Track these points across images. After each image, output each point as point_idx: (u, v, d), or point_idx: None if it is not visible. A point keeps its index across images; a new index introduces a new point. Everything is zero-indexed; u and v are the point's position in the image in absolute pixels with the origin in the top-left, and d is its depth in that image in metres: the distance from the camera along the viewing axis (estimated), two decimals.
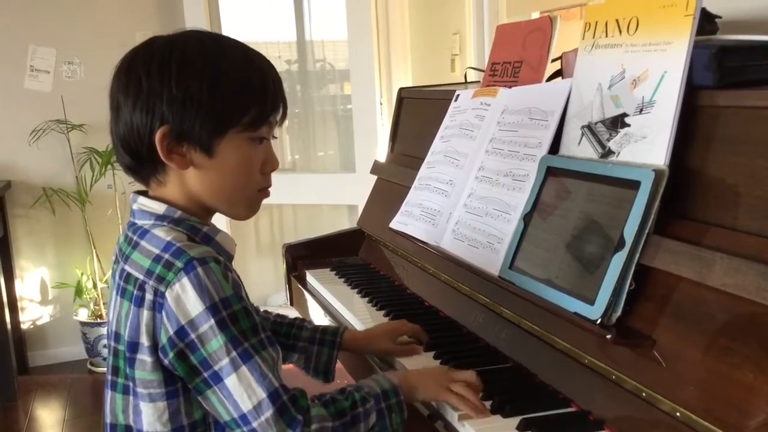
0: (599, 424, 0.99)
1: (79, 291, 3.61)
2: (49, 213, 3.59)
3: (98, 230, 3.59)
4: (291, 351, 1.29)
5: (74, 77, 3.61)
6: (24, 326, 3.66)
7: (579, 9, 2.15)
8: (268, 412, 0.92)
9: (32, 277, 3.69)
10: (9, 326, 3.27)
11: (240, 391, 0.92)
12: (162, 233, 0.98)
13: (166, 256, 0.95)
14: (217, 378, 0.93)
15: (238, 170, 1.01)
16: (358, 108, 3.32)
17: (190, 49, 0.99)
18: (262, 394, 0.92)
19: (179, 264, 0.93)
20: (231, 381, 0.92)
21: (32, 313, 3.71)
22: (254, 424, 0.93)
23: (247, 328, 0.94)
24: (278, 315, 1.35)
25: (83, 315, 3.61)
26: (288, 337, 1.30)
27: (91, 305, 3.64)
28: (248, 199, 1.05)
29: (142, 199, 1.02)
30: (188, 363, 0.93)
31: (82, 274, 3.62)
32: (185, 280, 0.92)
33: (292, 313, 1.56)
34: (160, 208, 1.01)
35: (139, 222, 1.02)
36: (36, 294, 3.71)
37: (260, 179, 1.05)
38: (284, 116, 1.06)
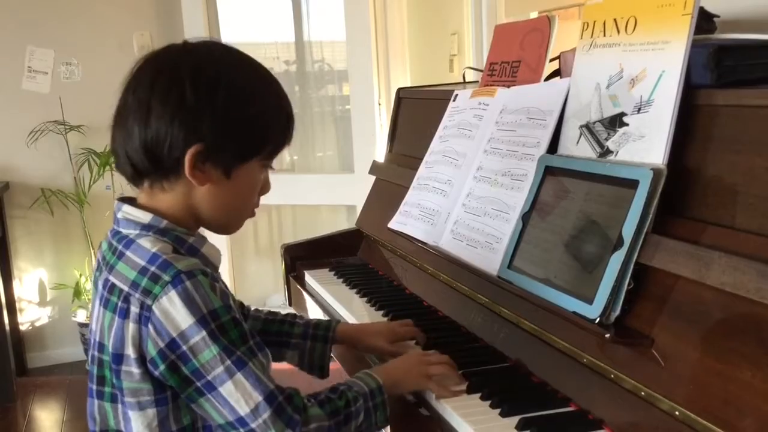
0: (598, 423, 0.99)
1: (77, 292, 3.61)
2: (48, 214, 3.59)
3: (96, 231, 3.58)
4: (284, 348, 1.29)
5: (72, 78, 3.61)
6: (22, 327, 3.66)
7: (577, 9, 2.15)
8: (265, 414, 0.93)
9: (31, 279, 3.69)
10: (7, 327, 3.27)
11: (236, 396, 0.93)
12: (147, 244, 0.98)
13: (153, 268, 0.94)
14: (211, 387, 0.93)
15: (247, 193, 1.06)
16: (356, 108, 3.32)
17: (236, 72, 1.01)
18: (258, 398, 0.93)
19: (166, 277, 0.93)
20: (226, 388, 0.93)
21: (31, 315, 3.71)
22: (253, 425, 0.94)
23: (236, 337, 0.95)
24: (270, 312, 1.34)
25: (81, 316, 3.61)
26: (280, 334, 1.29)
27: (90, 306, 3.63)
28: (240, 218, 1.09)
29: (127, 208, 1.02)
30: (180, 374, 0.94)
31: (80, 275, 3.62)
32: (173, 294, 0.92)
33: None
34: (145, 217, 1.00)
35: (124, 231, 1.01)
36: (34, 295, 3.71)
37: (256, 201, 1.09)
38: (288, 145, 1.09)
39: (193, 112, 0.96)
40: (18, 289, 3.63)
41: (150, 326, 0.93)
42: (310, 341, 1.29)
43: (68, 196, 3.57)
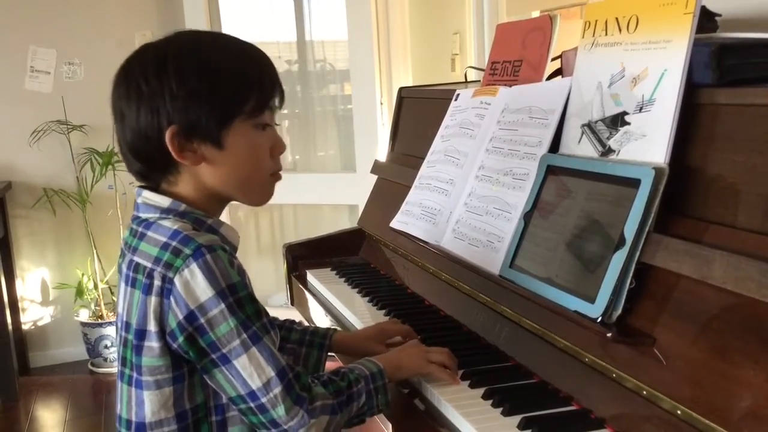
0: (600, 422, 0.99)
1: (80, 291, 3.61)
2: (50, 213, 3.59)
3: (99, 231, 3.58)
4: (280, 353, 1.29)
5: (74, 78, 3.61)
6: (25, 327, 3.66)
7: (579, 8, 2.15)
8: (276, 389, 0.96)
9: (33, 278, 3.70)
10: (10, 327, 3.28)
11: (249, 370, 0.95)
12: (168, 223, 1.01)
13: (174, 243, 0.97)
14: (225, 359, 0.96)
15: (249, 157, 1.05)
16: (358, 108, 3.32)
17: (183, 47, 1.02)
18: (271, 373, 0.96)
19: (188, 251, 0.95)
20: (240, 362, 0.95)
21: (33, 314, 3.71)
22: (263, 400, 0.96)
23: (252, 312, 0.97)
24: None
25: (84, 316, 3.61)
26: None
27: (92, 306, 3.64)
28: (262, 184, 1.09)
29: (146, 193, 1.04)
30: (197, 345, 0.96)
31: (82, 274, 3.62)
32: (194, 266, 0.95)
33: (293, 314, 1.57)
34: (164, 201, 1.03)
35: (144, 215, 1.04)
36: (37, 295, 3.71)
37: (271, 164, 1.08)
38: (282, 99, 1.09)
39: (153, 97, 0.98)
40: (20, 288, 3.63)
41: (171, 298, 0.95)
42: (306, 347, 1.29)
43: (70, 196, 3.57)
